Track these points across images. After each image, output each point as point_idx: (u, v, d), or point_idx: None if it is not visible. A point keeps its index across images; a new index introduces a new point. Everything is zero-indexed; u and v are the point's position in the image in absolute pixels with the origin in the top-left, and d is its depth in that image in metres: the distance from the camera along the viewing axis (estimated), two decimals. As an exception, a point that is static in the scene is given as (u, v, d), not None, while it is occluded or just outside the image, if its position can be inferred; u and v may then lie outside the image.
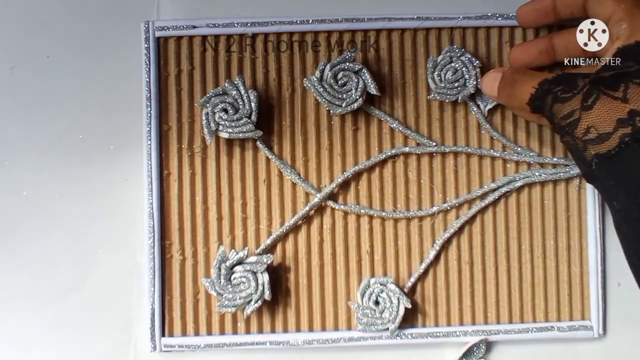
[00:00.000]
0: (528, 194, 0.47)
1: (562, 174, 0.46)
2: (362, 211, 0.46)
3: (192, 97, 0.46)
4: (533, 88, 0.39)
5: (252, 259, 0.44)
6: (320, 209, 0.46)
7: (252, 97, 0.44)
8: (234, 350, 0.45)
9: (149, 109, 0.45)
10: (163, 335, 0.45)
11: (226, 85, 0.44)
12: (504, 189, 0.46)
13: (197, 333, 0.46)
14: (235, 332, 0.46)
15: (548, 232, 0.47)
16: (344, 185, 0.46)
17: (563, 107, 0.37)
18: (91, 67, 0.47)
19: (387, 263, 0.47)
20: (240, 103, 0.44)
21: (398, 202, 0.47)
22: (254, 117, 0.44)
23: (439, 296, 0.47)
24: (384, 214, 0.46)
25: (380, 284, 0.45)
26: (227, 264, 0.44)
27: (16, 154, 0.46)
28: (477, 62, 0.45)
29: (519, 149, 0.47)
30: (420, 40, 0.47)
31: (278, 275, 0.46)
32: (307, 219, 0.46)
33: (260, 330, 0.46)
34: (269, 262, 0.44)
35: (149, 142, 0.45)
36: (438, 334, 0.46)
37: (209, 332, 0.46)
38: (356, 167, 0.46)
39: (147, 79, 0.45)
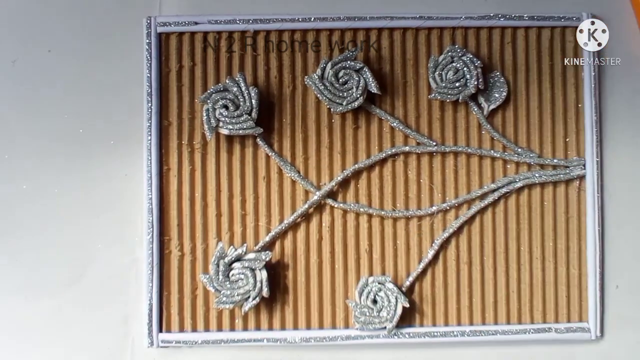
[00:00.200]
0: (528, 195, 0.47)
1: (562, 175, 0.46)
2: (362, 210, 0.46)
3: (193, 93, 0.46)
4: None
5: (251, 255, 0.44)
6: (319, 207, 0.46)
7: (252, 94, 0.44)
8: (231, 347, 0.45)
9: (149, 104, 0.45)
10: (160, 331, 0.45)
11: (227, 81, 0.44)
12: (503, 190, 0.46)
13: (194, 329, 0.46)
14: (232, 328, 0.46)
15: (547, 233, 0.47)
16: (344, 184, 0.46)
17: None
18: (92, 62, 0.47)
19: (386, 262, 0.47)
20: (241, 100, 0.44)
21: (397, 201, 0.47)
22: (254, 114, 0.44)
23: (437, 296, 0.47)
24: (383, 212, 0.46)
25: (379, 283, 0.45)
26: (226, 260, 0.44)
27: (16, 148, 0.46)
28: (479, 62, 0.45)
29: (519, 149, 0.47)
30: (422, 40, 0.47)
31: (276, 273, 0.46)
32: (306, 217, 0.46)
33: (258, 327, 0.46)
34: (267, 259, 0.44)
35: (149, 138, 0.45)
36: (436, 334, 0.46)
37: (207, 329, 0.46)
38: (356, 165, 0.46)
39: (148, 75, 0.45)
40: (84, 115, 0.47)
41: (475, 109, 0.46)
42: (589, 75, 0.47)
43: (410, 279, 0.46)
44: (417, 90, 0.47)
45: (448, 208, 0.47)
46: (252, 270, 0.44)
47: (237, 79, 0.44)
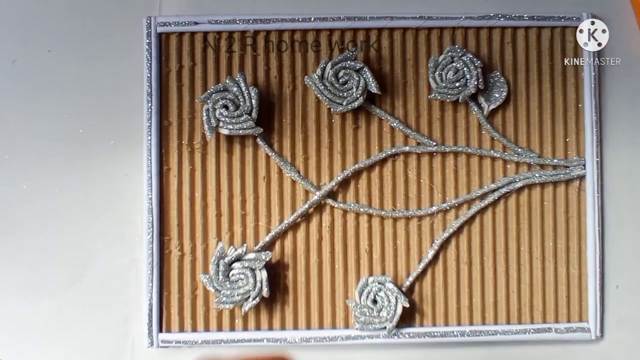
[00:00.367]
0: (528, 195, 0.47)
1: (562, 175, 0.46)
2: (362, 210, 0.46)
3: (193, 93, 0.46)
4: None
5: (251, 255, 0.44)
6: (319, 207, 0.46)
7: (252, 94, 0.44)
8: (231, 346, 0.45)
9: (149, 104, 0.45)
10: (160, 330, 0.45)
11: (227, 81, 0.44)
12: (503, 190, 0.46)
13: (194, 329, 0.46)
14: (232, 328, 0.46)
15: (547, 233, 0.47)
16: (344, 184, 0.46)
17: None
18: (92, 62, 0.47)
19: (386, 262, 0.47)
20: (241, 100, 0.44)
21: (397, 201, 0.47)
22: (254, 114, 0.44)
23: (437, 296, 0.47)
24: (383, 212, 0.46)
25: (379, 283, 0.45)
26: (226, 260, 0.44)
27: (16, 148, 0.46)
28: (479, 62, 0.45)
29: (519, 149, 0.47)
30: (422, 40, 0.47)
31: (276, 273, 0.46)
32: (306, 217, 0.46)
33: (258, 327, 0.46)
34: (267, 259, 0.44)
35: (149, 138, 0.45)
36: (435, 334, 0.46)
37: (207, 329, 0.46)
38: (356, 165, 0.46)
39: (149, 74, 0.45)
40: (84, 115, 0.47)
41: (475, 109, 0.46)
42: (589, 75, 0.47)
43: (410, 279, 0.46)
44: (417, 90, 0.47)
45: (448, 208, 0.47)
46: (252, 270, 0.44)
47: (237, 79, 0.44)
